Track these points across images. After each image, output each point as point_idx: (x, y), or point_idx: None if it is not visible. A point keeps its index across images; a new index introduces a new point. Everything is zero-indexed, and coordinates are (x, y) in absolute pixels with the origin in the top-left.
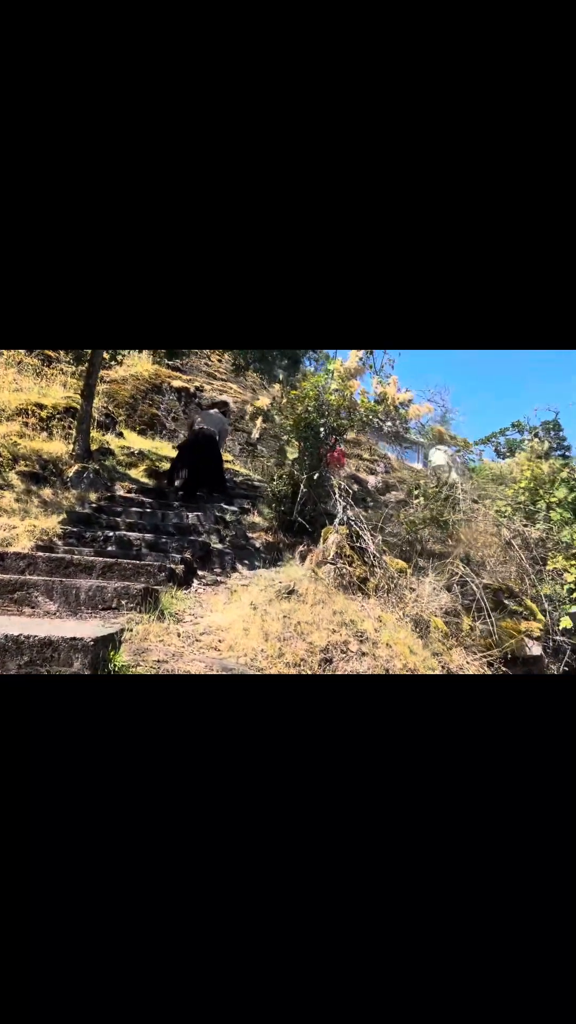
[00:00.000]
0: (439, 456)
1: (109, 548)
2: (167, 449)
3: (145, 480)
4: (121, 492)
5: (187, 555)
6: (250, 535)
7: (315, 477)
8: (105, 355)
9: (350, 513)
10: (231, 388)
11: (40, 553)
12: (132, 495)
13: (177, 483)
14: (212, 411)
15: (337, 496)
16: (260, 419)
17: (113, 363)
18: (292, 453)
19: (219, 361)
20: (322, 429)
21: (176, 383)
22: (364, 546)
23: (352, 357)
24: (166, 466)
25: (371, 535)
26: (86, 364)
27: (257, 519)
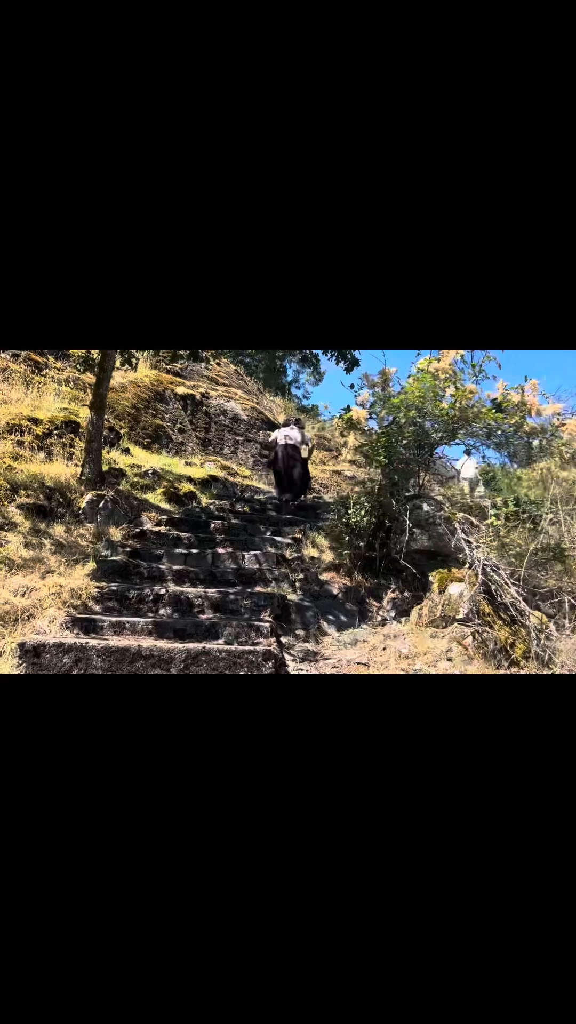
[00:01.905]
0: (469, 469)
1: (163, 611)
2: (180, 466)
3: (167, 506)
4: (149, 525)
5: (268, 618)
6: (321, 577)
7: (408, 505)
8: (117, 359)
9: (480, 555)
10: (237, 394)
11: (91, 641)
12: (163, 528)
13: (285, 497)
14: (291, 426)
15: (460, 531)
16: (351, 433)
17: (127, 367)
18: (374, 474)
19: (219, 365)
20: (428, 442)
21: (180, 389)
22: (502, 597)
23: (444, 356)
24: (186, 488)
25: (514, 584)
26: (95, 369)
27: (313, 551)
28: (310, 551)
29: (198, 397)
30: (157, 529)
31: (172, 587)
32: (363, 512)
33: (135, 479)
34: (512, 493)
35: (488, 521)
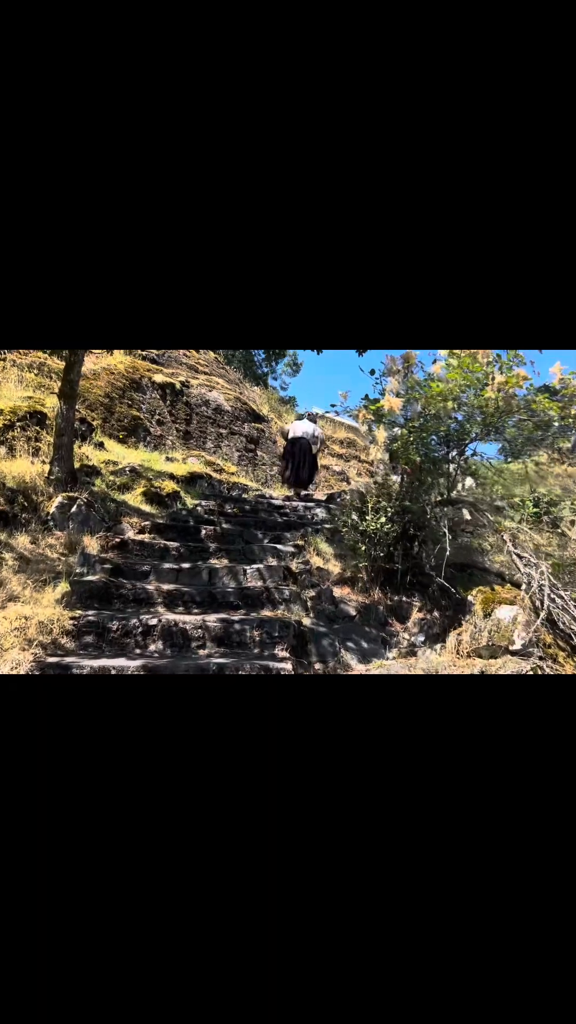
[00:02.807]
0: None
1: (155, 648)
2: (160, 462)
3: (149, 508)
4: (131, 532)
5: (284, 652)
6: (335, 594)
7: (443, 510)
8: None
9: (535, 573)
10: (219, 383)
11: None
12: (147, 536)
13: (288, 476)
14: (304, 420)
15: (509, 543)
16: (381, 427)
17: (99, 352)
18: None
19: (198, 352)
20: (465, 438)
21: (157, 378)
22: (566, 623)
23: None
24: (168, 487)
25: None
26: (64, 353)
27: (317, 560)
28: (314, 559)
29: (177, 386)
30: (140, 538)
31: (164, 614)
32: (384, 518)
33: (111, 478)
34: (502, 488)
35: (507, 523)
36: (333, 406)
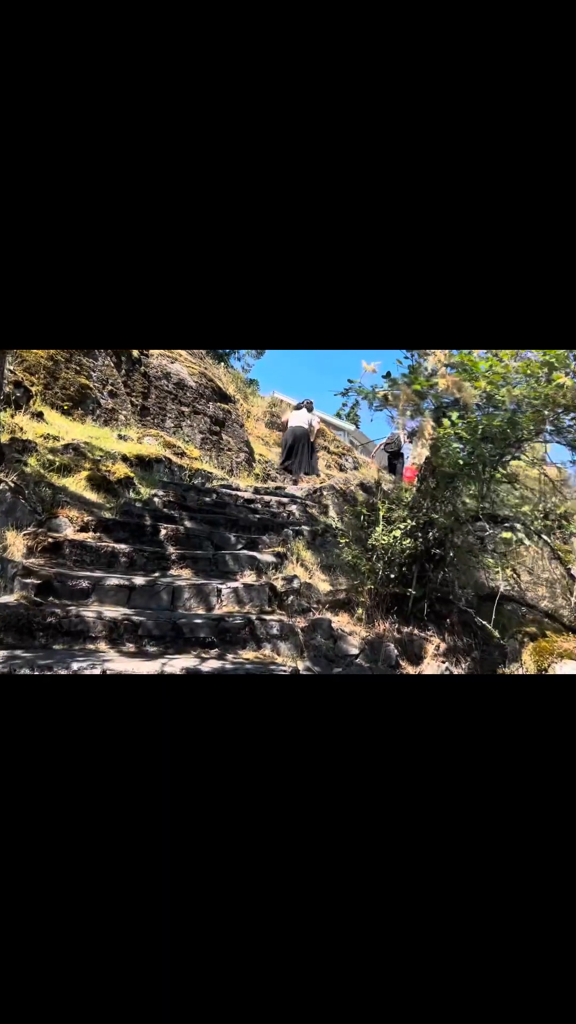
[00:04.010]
0: (381, 455)
1: None
2: (112, 440)
3: (95, 497)
4: (70, 530)
5: None
6: (333, 621)
7: (478, 526)
8: None
9: None
10: (182, 355)
11: None
12: (91, 536)
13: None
14: (301, 410)
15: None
16: (427, 427)
17: None
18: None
19: None
20: (513, 437)
21: None
22: None
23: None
24: (120, 471)
25: None
26: None
27: (301, 572)
28: (298, 571)
29: (135, 354)
30: (82, 537)
31: (107, 657)
32: (398, 531)
33: (49, 456)
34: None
35: (507, 536)
36: (350, 387)
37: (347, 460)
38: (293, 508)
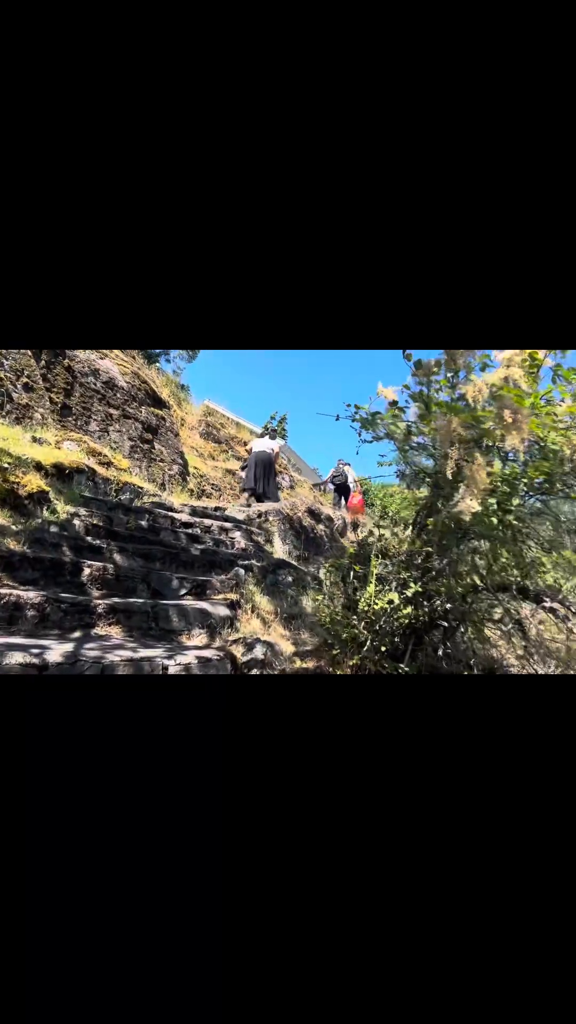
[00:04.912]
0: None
1: None
2: (23, 443)
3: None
4: None
5: None
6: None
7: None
8: None
9: None
10: (113, 352)
11: None
12: None
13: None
14: (264, 438)
15: None
16: (479, 471)
17: None
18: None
19: None
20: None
21: None
22: None
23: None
24: (32, 483)
25: None
26: None
27: (257, 626)
28: (254, 623)
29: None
30: None
31: None
32: (395, 595)
33: None
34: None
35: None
36: (355, 412)
37: (283, 479)
38: (237, 535)
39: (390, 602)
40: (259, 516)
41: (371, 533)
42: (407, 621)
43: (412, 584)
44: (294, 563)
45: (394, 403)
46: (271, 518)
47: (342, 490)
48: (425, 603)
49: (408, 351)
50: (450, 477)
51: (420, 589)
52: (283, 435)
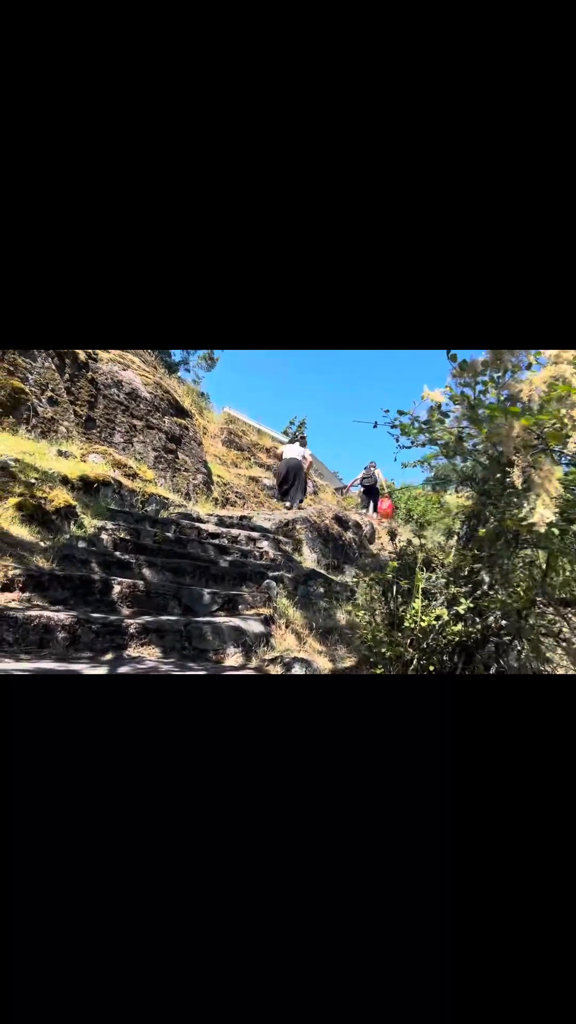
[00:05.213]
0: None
1: None
2: (49, 457)
3: (25, 534)
4: None
5: None
6: None
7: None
8: None
9: None
10: (135, 362)
11: None
12: (16, 598)
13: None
14: (294, 444)
15: None
16: (551, 480)
17: None
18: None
19: None
20: None
21: None
22: None
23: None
24: (59, 498)
25: None
26: None
27: (292, 642)
28: (288, 639)
29: (82, 357)
30: (2, 599)
31: None
32: (443, 611)
33: None
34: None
35: None
36: (396, 419)
37: (309, 484)
38: (265, 545)
39: (438, 618)
40: (286, 524)
41: (410, 543)
42: (457, 639)
43: (463, 600)
44: (325, 573)
45: (438, 406)
46: (298, 526)
47: (371, 493)
48: (476, 619)
49: (452, 351)
50: (519, 486)
51: (471, 605)
52: (303, 440)
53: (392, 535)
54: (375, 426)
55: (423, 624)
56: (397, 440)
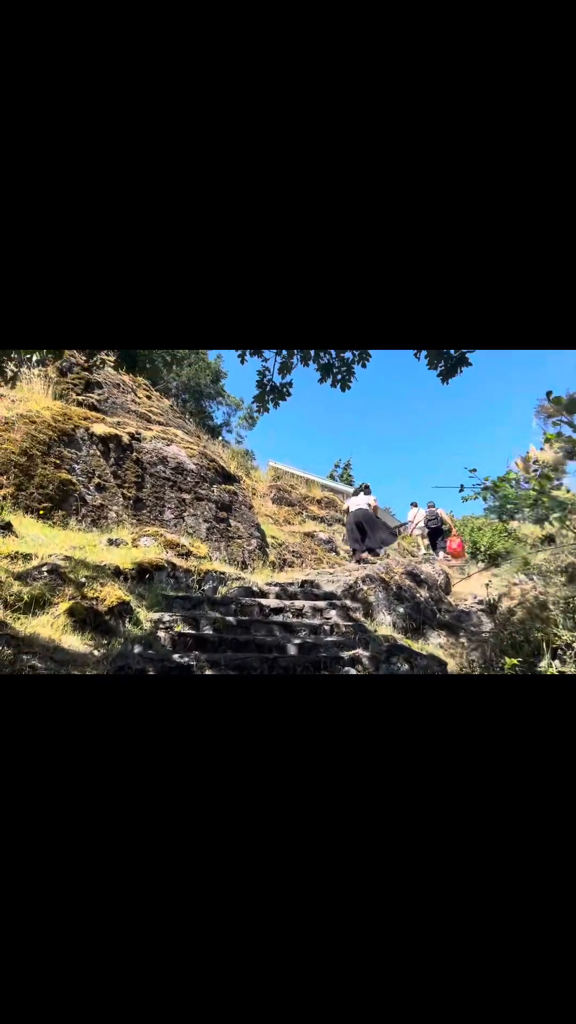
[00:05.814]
0: (420, 515)
1: None
2: (100, 548)
3: (76, 644)
4: None
5: None
6: None
7: None
8: None
9: None
10: (178, 435)
11: None
12: None
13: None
14: (358, 496)
15: None
16: None
17: (8, 383)
18: None
19: (149, 398)
20: None
21: (98, 428)
22: None
23: None
24: (112, 595)
25: None
26: None
27: None
28: None
29: (126, 439)
30: None
31: None
32: None
33: (14, 586)
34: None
35: None
36: (485, 484)
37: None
38: (333, 614)
39: None
40: (350, 587)
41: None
42: None
43: None
44: (406, 642)
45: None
46: (366, 587)
47: (436, 535)
48: None
49: (549, 391)
50: None
51: None
52: (367, 489)
53: (498, 605)
54: (461, 489)
55: None
56: (485, 499)
